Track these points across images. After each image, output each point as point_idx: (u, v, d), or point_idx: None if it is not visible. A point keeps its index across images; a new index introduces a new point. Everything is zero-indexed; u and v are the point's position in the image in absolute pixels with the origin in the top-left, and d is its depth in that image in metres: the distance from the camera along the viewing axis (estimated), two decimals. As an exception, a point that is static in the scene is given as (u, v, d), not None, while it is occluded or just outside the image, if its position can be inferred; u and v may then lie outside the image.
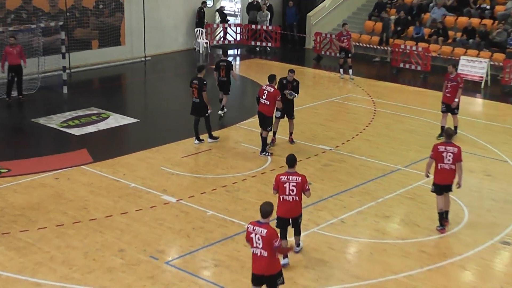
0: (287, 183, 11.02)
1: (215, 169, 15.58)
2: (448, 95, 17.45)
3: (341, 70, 24.54)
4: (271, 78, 16.19)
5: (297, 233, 11.41)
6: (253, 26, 29.43)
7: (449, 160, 12.38)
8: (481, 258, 11.87)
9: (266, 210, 9.31)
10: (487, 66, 23.91)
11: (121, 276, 10.89)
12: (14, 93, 20.66)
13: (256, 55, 28.74)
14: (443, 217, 12.69)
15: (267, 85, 16.16)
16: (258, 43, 29.50)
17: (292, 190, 11.02)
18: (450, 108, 17.54)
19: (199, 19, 28.48)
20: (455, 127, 17.75)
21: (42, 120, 18.86)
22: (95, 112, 19.74)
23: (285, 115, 16.99)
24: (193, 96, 16.72)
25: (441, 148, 12.46)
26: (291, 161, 11.20)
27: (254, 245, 9.23)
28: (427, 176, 12.96)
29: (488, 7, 27.37)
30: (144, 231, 12.46)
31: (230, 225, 12.76)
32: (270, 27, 29.35)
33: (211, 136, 17.23)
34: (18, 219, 12.80)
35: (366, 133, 18.36)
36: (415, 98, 22.43)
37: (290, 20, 30.17)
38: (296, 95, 16.89)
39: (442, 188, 12.60)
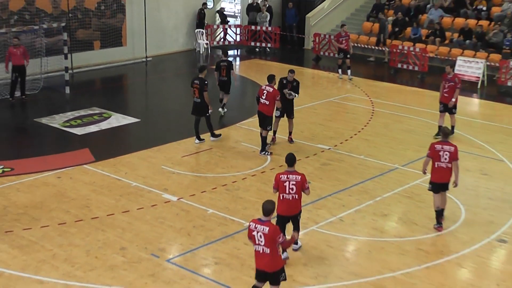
0: (287, 182, 11.04)
1: (215, 168, 15.58)
2: (446, 95, 17.47)
3: (340, 70, 24.55)
4: (270, 78, 16.19)
5: (296, 228, 11.41)
6: (253, 27, 29.44)
7: (445, 158, 12.40)
8: (478, 256, 11.88)
9: (268, 208, 9.32)
10: (483, 66, 23.92)
11: (122, 274, 10.89)
12: (17, 93, 20.66)
13: (255, 55, 28.74)
14: (440, 215, 12.70)
15: (266, 85, 16.17)
16: (258, 44, 29.51)
17: (292, 189, 11.04)
18: (448, 107, 17.55)
19: (200, 20, 28.47)
20: (452, 127, 17.76)
21: (44, 120, 18.86)
22: (97, 112, 19.74)
23: (285, 115, 17.00)
24: (194, 96, 16.73)
25: (438, 147, 12.47)
26: (291, 160, 11.22)
27: (257, 242, 9.26)
28: (424, 173, 12.99)
29: (484, 8, 27.39)
30: (145, 229, 12.46)
31: (230, 224, 12.76)
32: (269, 28, 29.35)
33: (213, 135, 17.24)
34: (21, 218, 12.81)
35: (365, 132, 18.37)
36: (413, 98, 22.44)
37: (290, 21, 30.18)
38: (296, 95, 16.89)
39: (439, 186, 12.61)
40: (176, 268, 11.14)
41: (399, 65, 26.06)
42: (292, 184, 11.03)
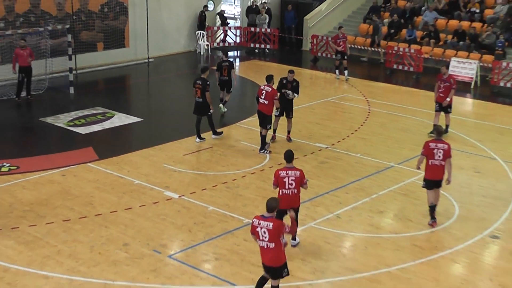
0: (286, 178, 11.10)
1: (215, 166, 15.58)
2: (441, 95, 17.51)
3: (337, 71, 24.53)
4: (269, 78, 16.22)
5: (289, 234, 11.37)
6: (252, 29, 29.44)
7: (439, 156, 12.44)
8: (471, 251, 11.89)
9: (272, 205, 9.35)
10: (476, 67, 23.92)
11: (125, 269, 10.90)
12: (23, 93, 20.66)
13: (255, 56, 28.72)
14: (434, 209, 12.74)
15: (265, 85, 16.19)
16: (257, 45, 29.51)
17: (291, 184, 11.10)
18: (443, 107, 17.61)
19: (201, 22, 28.47)
20: (447, 126, 17.81)
21: (49, 119, 18.85)
22: (100, 111, 19.74)
23: (284, 114, 17.02)
24: (196, 96, 16.74)
25: (432, 145, 12.51)
26: (289, 156, 11.28)
27: (261, 238, 9.28)
28: (418, 168, 13.02)
29: (477, 10, 27.39)
30: (147, 226, 12.46)
31: (230, 220, 12.76)
32: (268, 30, 29.35)
33: (215, 133, 17.26)
34: (27, 215, 12.81)
35: (361, 131, 18.37)
36: (408, 98, 22.44)
37: (289, 23, 30.21)
38: (296, 95, 16.90)
39: (432, 183, 12.66)
40: (177, 264, 11.14)
41: (395, 66, 26.08)
42: (292, 180, 11.09)
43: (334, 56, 25.21)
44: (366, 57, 27.73)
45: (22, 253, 11.36)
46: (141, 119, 19.18)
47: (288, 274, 9.62)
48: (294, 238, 11.71)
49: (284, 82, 16.88)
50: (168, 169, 15.29)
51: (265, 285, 9.79)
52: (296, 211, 11.26)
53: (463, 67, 24.10)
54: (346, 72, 24.14)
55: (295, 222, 10.23)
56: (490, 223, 12.95)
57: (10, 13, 22.47)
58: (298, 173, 11.15)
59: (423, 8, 28.56)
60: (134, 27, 26.35)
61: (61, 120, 18.78)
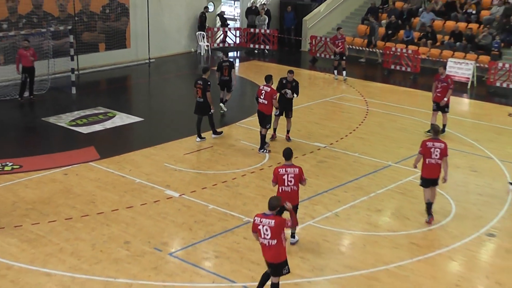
0: (286, 175, 11.13)
1: (215, 166, 15.57)
2: (439, 94, 17.55)
3: (336, 71, 24.52)
4: (268, 78, 16.24)
5: (291, 228, 11.40)
6: (252, 30, 29.43)
7: (436, 155, 12.48)
8: (468, 249, 11.89)
9: (274, 204, 9.38)
10: (473, 67, 23.92)
11: (126, 267, 10.90)
12: (26, 94, 20.65)
13: (254, 57, 28.71)
14: (431, 206, 12.78)
15: (264, 85, 16.20)
16: (257, 46, 29.49)
17: (291, 181, 11.14)
18: (440, 107, 17.63)
19: (201, 23, 28.46)
20: (444, 125, 17.82)
21: (52, 119, 18.84)
22: (102, 111, 19.73)
23: (284, 114, 17.02)
24: (197, 96, 16.74)
25: (429, 144, 12.55)
26: (288, 154, 11.31)
27: (262, 236, 9.29)
28: (415, 167, 13.04)
29: (474, 12, 27.40)
30: (148, 224, 12.46)
31: (230, 219, 12.76)
32: (268, 31, 29.34)
33: (215, 132, 17.26)
34: (30, 213, 12.81)
35: (359, 131, 18.36)
36: (406, 98, 22.43)
37: (288, 24, 30.21)
38: (296, 95, 16.90)
39: (429, 181, 12.71)
40: (178, 262, 11.14)
41: (392, 66, 26.09)
42: (291, 177, 11.13)
43: (332, 57, 25.20)
44: (364, 58, 27.73)
45: (25, 250, 11.36)
46: (142, 119, 19.17)
47: (288, 272, 9.64)
48: (293, 236, 11.71)
49: (284, 82, 16.89)
50: (169, 168, 15.29)
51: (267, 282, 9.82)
52: (296, 208, 11.26)
53: (460, 67, 24.10)
54: (344, 72, 24.13)
55: (294, 214, 10.27)
56: (486, 222, 12.95)
57: (13, 14, 22.47)
58: (297, 170, 11.18)
59: (420, 9, 28.56)
60: (135, 28, 26.34)
61: (63, 120, 18.78)
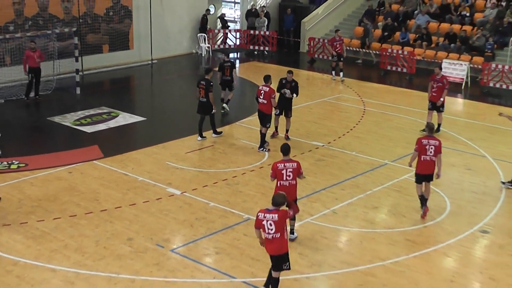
0: (284, 170, 11.15)
1: (216, 164, 15.54)
2: (434, 94, 17.57)
3: (333, 72, 24.48)
4: (266, 78, 16.24)
5: (292, 217, 11.37)
6: (252, 32, 29.38)
7: (431, 152, 12.58)
8: (462, 245, 11.86)
9: (278, 201, 9.43)
10: (467, 68, 23.89)
11: (129, 263, 10.87)
12: (32, 94, 20.64)
13: (254, 58, 28.65)
14: (424, 199, 12.87)
15: (263, 85, 16.20)
16: (256, 47, 29.44)
17: (289, 176, 11.15)
18: (436, 106, 17.64)
19: (202, 25, 28.43)
20: (439, 125, 17.82)
21: (57, 119, 18.81)
22: (105, 111, 19.70)
23: (283, 113, 17.00)
24: (200, 95, 16.71)
25: (425, 141, 12.64)
26: (286, 149, 11.34)
27: (266, 231, 9.31)
28: (410, 166, 13.04)
29: (468, 14, 27.34)
30: (151, 221, 12.44)
31: (231, 216, 12.73)
32: (267, 33, 29.29)
33: (215, 132, 17.23)
34: (35, 210, 12.78)
35: (356, 130, 18.33)
36: (402, 98, 22.38)
37: (288, 26, 30.18)
38: (295, 94, 16.89)
39: (423, 177, 12.80)
40: (179, 258, 11.11)
41: (389, 67, 26.05)
42: (289, 171, 11.15)
43: (330, 58, 25.16)
44: (360, 59, 27.71)
45: (31, 247, 11.33)
46: (145, 118, 19.13)
47: (289, 268, 9.64)
48: (292, 232, 11.68)
49: (284, 82, 16.87)
50: (170, 166, 15.26)
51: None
52: (295, 201, 11.24)
53: (454, 68, 24.07)
54: (341, 73, 24.09)
55: (292, 203, 10.27)
56: (480, 219, 12.93)
57: (19, 16, 22.43)
58: (295, 164, 11.21)
59: (415, 11, 28.51)
60: (138, 29, 26.30)
61: (68, 119, 18.75)
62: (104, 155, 15.81)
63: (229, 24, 30.90)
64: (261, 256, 10.84)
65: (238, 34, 29.93)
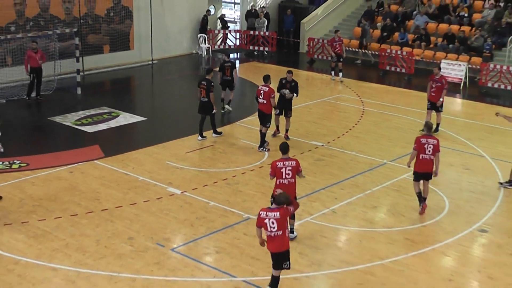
0: (283, 168, 11.16)
1: (216, 164, 15.53)
2: (433, 94, 17.59)
3: (333, 72, 24.47)
4: (266, 78, 16.25)
5: (292, 217, 11.38)
6: (251, 32, 29.36)
7: (429, 151, 12.66)
8: (460, 244, 11.86)
9: (282, 200, 9.50)
10: (465, 69, 23.88)
11: (130, 262, 10.86)
12: (33, 94, 20.63)
13: (254, 58, 28.63)
14: (421, 196, 12.94)
15: (262, 85, 16.20)
16: (256, 48, 29.43)
17: (288, 174, 11.17)
18: (434, 106, 17.66)
19: (203, 25, 28.43)
20: (438, 124, 17.83)
21: (58, 119, 18.80)
22: (106, 111, 19.69)
23: (283, 113, 17.00)
24: (201, 96, 16.70)
25: (423, 140, 12.70)
26: (284, 148, 11.37)
27: (269, 229, 9.35)
28: (409, 166, 13.04)
29: (466, 15, 27.35)
30: (151, 220, 12.43)
31: (231, 215, 12.73)
32: (267, 33, 29.28)
33: (215, 132, 17.23)
34: (36, 209, 12.77)
35: (356, 130, 18.33)
36: (400, 98, 22.38)
37: (288, 26, 30.18)
38: (295, 94, 16.89)
39: (421, 175, 12.86)
40: (180, 257, 11.11)
41: (388, 68, 26.05)
42: (289, 170, 11.16)
43: (329, 58, 25.15)
44: (359, 59, 27.72)
45: (32, 246, 11.33)
46: (145, 118, 19.13)
47: (288, 268, 9.65)
48: (292, 232, 11.67)
49: (284, 82, 16.88)
50: (171, 166, 15.25)
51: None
52: (294, 198, 11.25)
53: (453, 68, 24.06)
54: (340, 74, 24.09)
55: (293, 200, 10.28)
56: (478, 218, 12.93)
57: (20, 17, 22.42)
58: (294, 162, 11.23)
59: (414, 12, 28.51)
60: (139, 30, 26.28)
61: (68, 119, 18.74)
62: (105, 155, 15.80)
63: (229, 24, 30.89)
64: (261, 255, 10.83)
65: (238, 34, 29.92)
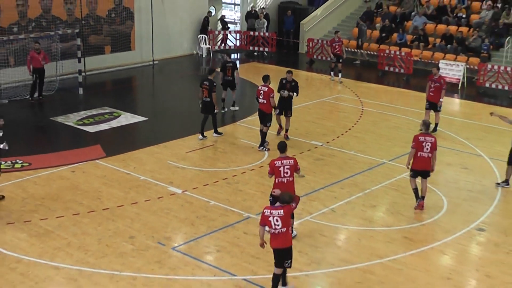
0: (282, 167, 11.18)
1: (217, 163, 15.53)
2: (432, 94, 17.64)
3: (332, 73, 24.46)
4: (265, 78, 16.27)
5: (291, 216, 11.37)
6: (251, 33, 29.35)
7: (427, 149, 12.73)
8: (458, 243, 11.86)
9: (285, 199, 9.56)
10: (463, 69, 23.87)
11: (131, 261, 10.86)
12: (35, 94, 20.60)
13: (254, 59, 28.62)
14: (418, 192, 12.99)
15: (262, 85, 16.21)
16: (256, 48, 29.42)
17: (287, 173, 11.20)
18: (433, 105, 17.69)
19: (203, 26, 28.42)
20: (436, 124, 17.85)
21: (60, 119, 18.80)
22: (107, 111, 19.68)
23: (283, 113, 16.99)
24: (203, 96, 16.70)
25: (421, 138, 12.78)
26: (282, 147, 11.41)
27: (273, 226, 9.39)
28: (408, 168, 13.03)
29: (464, 15, 27.34)
30: (152, 219, 12.42)
31: (231, 214, 12.72)
32: (267, 34, 29.26)
33: (216, 132, 17.23)
34: (39, 209, 12.77)
35: (355, 130, 18.32)
36: (399, 98, 22.38)
37: (288, 27, 30.18)
38: (295, 94, 16.89)
39: (418, 173, 12.92)
40: (180, 256, 11.10)
41: (386, 68, 26.03)
42: (287, 168, 11.19)
43: (329, 59, 25.14)
44: (358, 60, 27.71)
45: (34, 245, 11.32)
46: (146, 118, 19.12)
47: (290, 267, 9.66)
48: (291, 231, 11.66)
49: (284, 82, 16.88)
50: (172, 165, 15.24)
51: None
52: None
53: (451, 69, 24.05)
54: (340, 74, 24.07)
55: (295, 196, 10.29)
56: (476, 217, 12.92)
57: (23, 18, 22.40)
58: (292, 161, 11.25)
59: (413, 13, 28.50)
60: (140, 31, 26.27)
61: (70, 119, 18.73)
62: (107, 155, 15.80)
63: (229, 25, 30.89)
64: (261, 254, 10.83)
65: (238, 35, 29.91)
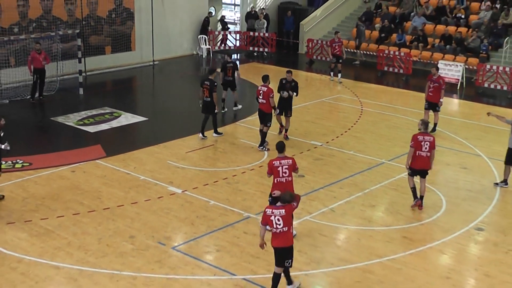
0: (280, 167, 11.17)
1: (216, 163, 15.52)
2: (431, 94, 17.65)
3: (332, 73, 24.46)
4: (265, 78, 16.27)
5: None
6: (251, 33, 29.35)
7: (426, 148, 12.74)
8: (457, 243, 11.85)
9: (286, 199, 9.57)
10: (462, 69, 23.88)
11: (131, 260, 10.85)
12: (36, 94, 20.60)
13: (254, 59, 28.62)
14: (415, 191, 13.02)
15: (261, 86, 16.21)
16: (256, 49, 29.42)
17: (285, 172, 11.19)
18: (432, 105, 17.71)
19: (204, 27, 28.42)
20: (435, 124, 17.84)
21: (60, 119, 18.79)
22: (108, 111, 19.67)
23: (283, 113, 16.99)
24: (204, 95, 16.70)
25: (420, 137, 12.79)
26: (281, 147, 11.39)
27: (274, 226, 9.39)
28: (407, 168, 13.01)
29: (463, 16, 27.34)
30: (152, 219, 12.41)
31: (231, 214, 12.71)
32: (266, 34, 29.26)
33: (216, 132, 17.22)
34: (39, 208, 12.76)
35: (354, 130, 18.31)
36: (398, 98, 22.38)
37: (288, 27, 30.18)
38: (295, 93, 16.89)
39: (417, 172, 12.94)
40: (180, 255, 11.09)
41: (386, 68, 26.03)
42: (285, 168, 11.17)
43: (328, 59, 25.13)
44: (357, 60, 27.72)
45: (35, 244, 11.31)
46: (147, 119, 19.11)
47: (290, 266, 9.66)
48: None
49: (284, 82, 16.87)
50: (172, 165, 15.24)
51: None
52: None
53: (450, 69, 24.05)
54: (339, 75, 24.06)
55: (295, 195, 10.31)
56: (475, 216, 12.91)
57: (23, 18, 22.39)
58: (290, 161, 11.24)
59: (412, 13, 28.50)
60: (140, 31, 26.27)
61: (71, 119, 18.72)
62: (107, 155, 15.79)
63: (229, 26, 30.89)
64: (261, 254, 10.81)
65: (238, 35, 29.91)
